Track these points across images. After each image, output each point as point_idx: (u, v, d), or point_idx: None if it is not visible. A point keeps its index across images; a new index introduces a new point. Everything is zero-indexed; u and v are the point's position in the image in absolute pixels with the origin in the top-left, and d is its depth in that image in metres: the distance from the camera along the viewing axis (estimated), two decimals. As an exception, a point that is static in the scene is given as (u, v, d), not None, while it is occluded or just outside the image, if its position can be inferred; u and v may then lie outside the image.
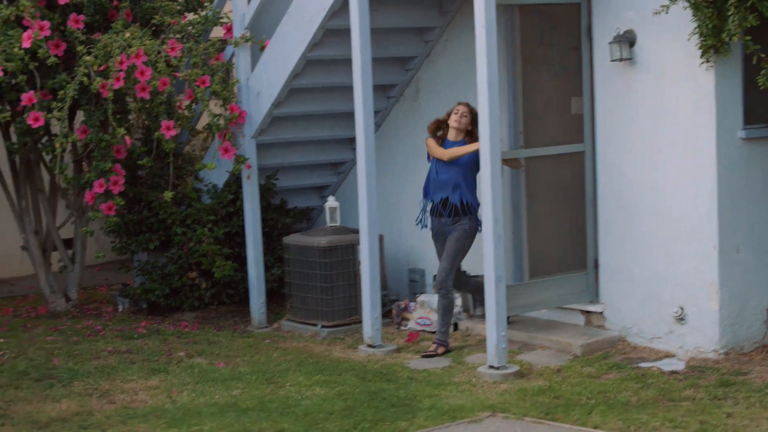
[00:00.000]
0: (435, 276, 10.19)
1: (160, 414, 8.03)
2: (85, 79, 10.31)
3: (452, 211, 9.66)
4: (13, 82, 10.49)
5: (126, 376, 9.18)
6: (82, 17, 10.63)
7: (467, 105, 9.77)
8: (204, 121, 11.96)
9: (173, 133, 10.77)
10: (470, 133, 9.70)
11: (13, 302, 12.70)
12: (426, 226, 9.94)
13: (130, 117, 11.60)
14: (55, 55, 10.48)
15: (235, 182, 11.39)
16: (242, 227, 11.38)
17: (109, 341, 10.43)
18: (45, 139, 11.34)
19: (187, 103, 11.11)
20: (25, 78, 10.43)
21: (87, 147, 10.99)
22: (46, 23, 10.43)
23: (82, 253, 12.02)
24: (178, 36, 11.02)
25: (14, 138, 11.37)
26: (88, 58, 10.31)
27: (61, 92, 10.37)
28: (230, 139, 11.02)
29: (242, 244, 11.47)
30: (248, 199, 11.13)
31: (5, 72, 10.30)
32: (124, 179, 10.87)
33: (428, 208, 9.89)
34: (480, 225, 9.36)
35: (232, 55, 11.27)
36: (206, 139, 12.77)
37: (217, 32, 11.78)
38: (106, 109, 10.52)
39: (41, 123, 10.50)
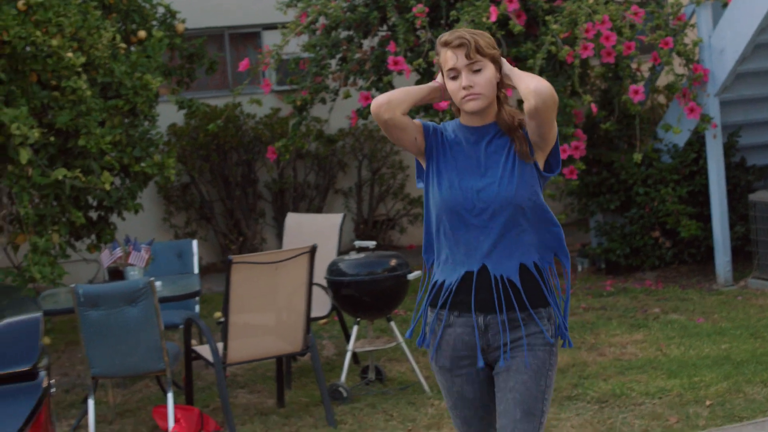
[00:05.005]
0: None
1: (656, 365, 8.23)
2: (552, 48, 10.59)
3: (505, 297, 4.38)
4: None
5: (608, 330, 9.45)
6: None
7: (463, 42, 4.34)
8: (661, 81, 12.03)
9: (641, 97, 10.88)
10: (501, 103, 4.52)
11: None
12: (424, 345, 4.60)
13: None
14: (522, 25, 10.85)
15: (697, 141, 11.39)
16: (705, 186, 11.35)
17: (580, 299, 10.75)
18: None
19: (650, 65, 11.22)
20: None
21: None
22: None
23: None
24: (640, -2, 11.17)
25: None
26: (555, 26, 10.58)
27: (530, 61, 10.71)
28: (694, 99, 11.01)
29: (704, 203, 11.44)
30: (712, 158, 11.08)
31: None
32: (584, 143, 11.08)
33: (432, 298, 4.54)
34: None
35: (692, 13, 11.27)
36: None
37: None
38: (569, 75, 10.78)
39: None
